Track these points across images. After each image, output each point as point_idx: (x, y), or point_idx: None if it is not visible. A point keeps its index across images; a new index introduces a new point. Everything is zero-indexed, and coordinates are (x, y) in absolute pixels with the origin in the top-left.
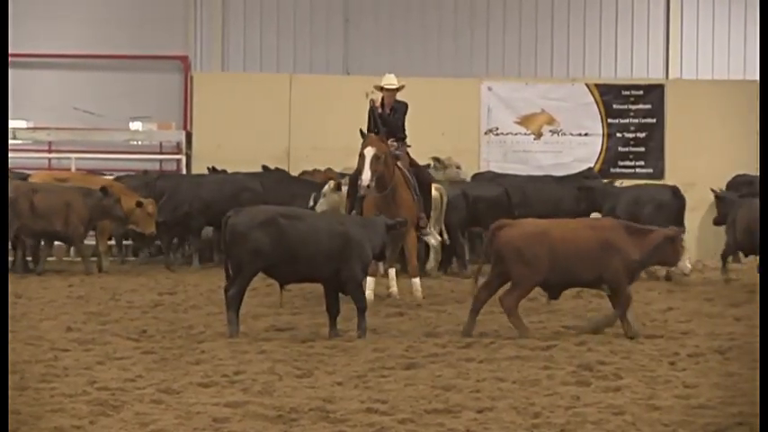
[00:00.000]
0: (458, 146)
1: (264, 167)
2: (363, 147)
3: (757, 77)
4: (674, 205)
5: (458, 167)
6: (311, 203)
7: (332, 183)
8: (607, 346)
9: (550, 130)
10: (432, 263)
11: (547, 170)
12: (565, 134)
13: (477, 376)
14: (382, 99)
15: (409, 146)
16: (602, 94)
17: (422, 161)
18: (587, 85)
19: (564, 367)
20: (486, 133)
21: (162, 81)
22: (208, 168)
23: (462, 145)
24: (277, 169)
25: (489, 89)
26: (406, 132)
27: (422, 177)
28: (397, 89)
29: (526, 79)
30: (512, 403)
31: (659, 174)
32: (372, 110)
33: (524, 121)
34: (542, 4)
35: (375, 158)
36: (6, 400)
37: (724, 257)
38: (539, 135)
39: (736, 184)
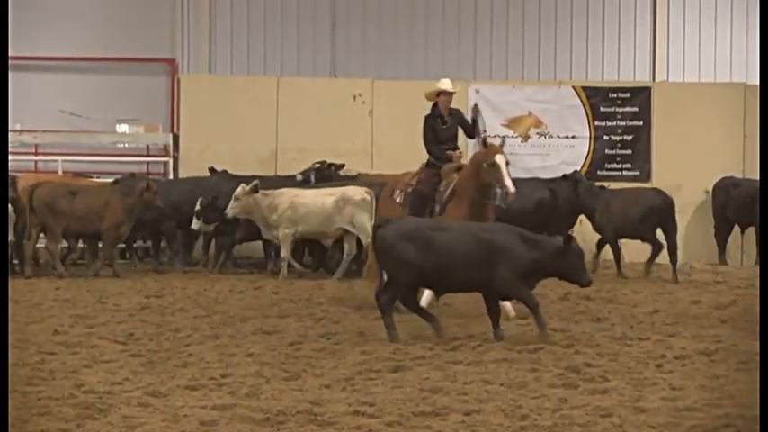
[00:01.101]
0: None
1: (211, 170)
2: (490, 154)
3: (744, 80)
4: (663, 209)
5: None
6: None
7: (245, 186)
8: (594, 348)
9: (537, 133)
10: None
11: (534, 173)
12: (552, 137)
13: (464, 379)
14: (435, 104)
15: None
16: (588, 97)
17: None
18: (574, 88)
19: (551, 369)
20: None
21: (149, 84)
22: (209, 169)
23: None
24: (224, 172)
25: (477, 92)
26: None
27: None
28: (453, 93)
29: (513, 82)
30: (499, 406)
31: (646, 176)
32: (432, 117)
33: (511, 123)
34: (529, 7)
35: (508, 165)
36: (6, 401)
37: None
38: (526, 138)
39: (723, 186)
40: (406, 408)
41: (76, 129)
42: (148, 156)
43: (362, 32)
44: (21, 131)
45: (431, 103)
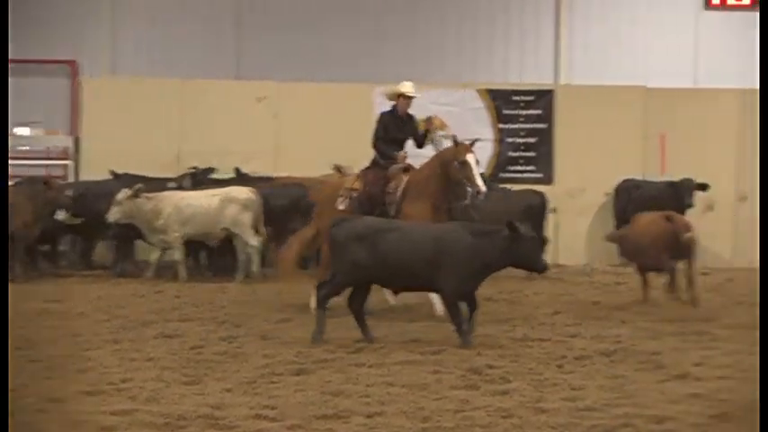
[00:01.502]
0: (351, 151)
1: (112, 173)
2: (461, 153)
3: (645, 82)
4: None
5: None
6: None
7: (127, 190)
8: (496, 349)
9: (441, 135)
10: (255, 265)
11: None
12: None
13: (366, 381)
14: (394, 107)
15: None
16: (492, 100)
17: (320, 168)
18: (478, 91)
19: (453, 371)
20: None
21: (50, 85)
22: (110, 172)
23: (356, 150)
24: (125, 174)
25: (382, 95)
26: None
27: None
28: (413, 98)
29: (417, 84)
30: (401, 408)
31: (549, 179)
32: (389, 115)
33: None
34: (433, 9)
35: (477, 163)
36: (6, 401)
37: None
38: (430, 140)
39: (625, 188)
40: (308, 411)
41: None
42: (49, 159)
43: (267, 34)
44: None
45: (339, 106)
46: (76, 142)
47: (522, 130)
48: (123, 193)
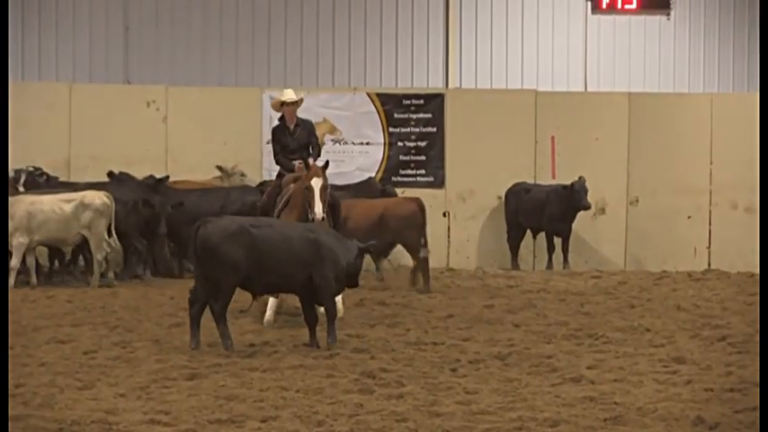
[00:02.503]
0: (240, 155)
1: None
2: (309, 178)
3: (535, 86)
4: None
5: (242, 175)
6: None
7: None
8: (389, 353)
9: (332, 140)
10: (111, 270)
11: (329, 179)
12: (347, 143)
13: (260, 386)
14: (282, 117)
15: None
16: (383, 104)
17: (205, 171)
18: (368, 95)
19: (347, 375)
20: (268, 143)
21: None
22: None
23: (244, 154)
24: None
25: (271, 98)
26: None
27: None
28: (297, 103)
29: (308, 89)
30: (295, 412)
31: (440, 182)
32: (279, 128)
33: None
34: (323, 13)
35: (323, 189)
36: (6, 401)
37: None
38: (320, 144)
39: (515, 191)
40: (202, 415)
41: None
42: None
43: (156, 38)
44: None
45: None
46: None
47: (413, 133)
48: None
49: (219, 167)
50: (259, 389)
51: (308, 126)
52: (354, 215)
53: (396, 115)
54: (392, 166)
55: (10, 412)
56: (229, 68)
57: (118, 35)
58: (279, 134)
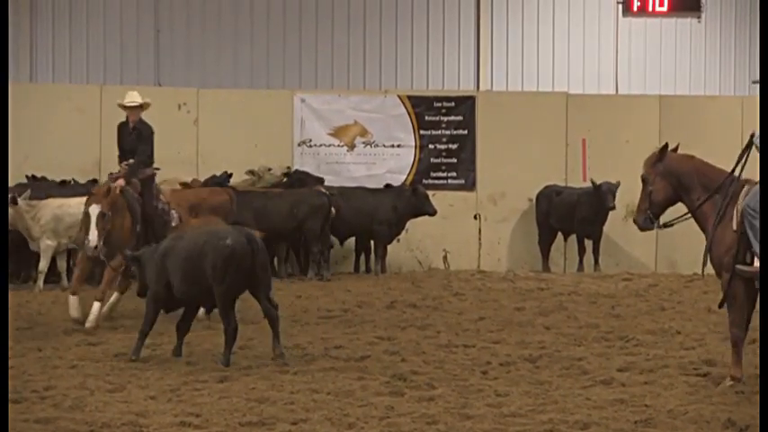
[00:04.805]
0: (271, 158)
1: (31, 177)
2: (88, 203)
3: (566, 89)
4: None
5: (269, 169)
6: None
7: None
8: (420, 356)
9: (363, 142)
10: None
11: (360, 182)
12: (377, 145)
13: (291, 388)
14: (127, 117)
15: (158, 168)
16: (414, 106)
17: (237, 174)
18: (399, 97)
19: (377, 378)
20: (299, 145)
21: None
22: (27, 177)
23: (275, 157)
24: (43, 178)
25: (302, 101)
26: (151, 156)
27: (146, 207)
28: (140, 107)
29: (339, 91)
30: (326, 414)
31: (471, 185)
32: (121, 127)
33: (337, 132)
34: (355, 15)
35: (101, 216)
36: (6, 401)
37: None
38: (352, 146)
39: (546, 194)
40: (233, 418)
41: None
42: None
43: (187, 40)
44: None
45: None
46: None
47: (444, 136)
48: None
49: (250, 172)
50: (290, 391)
51: (145, 131)
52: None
53: (427, 118)
54: (423, 169)
55: (40, 414)
56: (260, 71)
57: (149, 37)
58: (120, 132)
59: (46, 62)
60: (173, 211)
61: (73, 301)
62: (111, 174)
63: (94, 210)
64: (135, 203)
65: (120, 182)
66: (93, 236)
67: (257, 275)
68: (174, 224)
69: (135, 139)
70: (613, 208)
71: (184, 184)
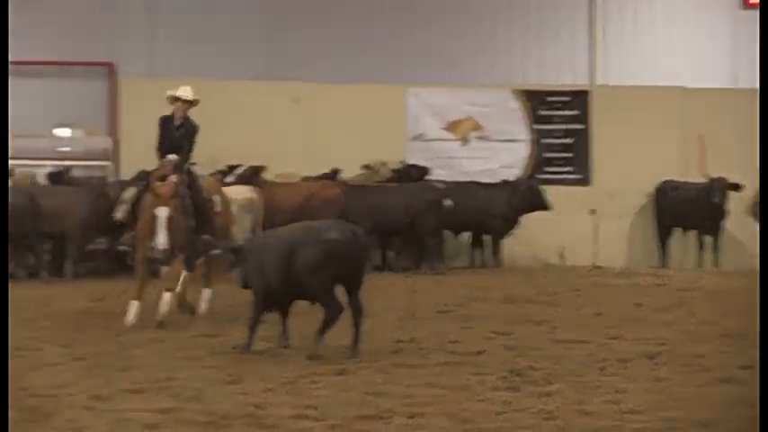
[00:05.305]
0: (384, 153)
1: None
2: (153, 205)
3: (681, 82)
4: None
5: (384, 164)
6: None
7: (134, 189)
8: (537, 351)
9: (476, 137)
10: None
11: (473, 176)
12: (491, 140)
13: (407, 382)
14: (172, 111)
15: (194, 163)
16: (527, 101)
17: (350, 169)
18: (513, 92)
19: (494, 373)
20: (412, 139)
21: (89, 87)
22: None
23: (389, 151)
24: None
25: (416, 95)
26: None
27: (196, 200)
28: (190, 102)
29: (452, 85)
30: (442, 409)
31: (587, 180)
32: (165, 123)
33: (451, 127)
34: (468, 10)
35: (170, 219)
36: (6, 401)
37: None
38: (465, 141)
39: (664, 189)
40: (350, 411)
41: (17, 133)
42: (88, 160)
43: (302, 35)
44: None
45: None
46: (116, 143)
47: (559, 130)
48: (130, 192)
49: (367, 166)
50: (406, 385)
51: (190, 128)
52: None
53: (540, 112)
54: (537, 164)
55: (161, 404)
56: (374, 66)
57: (263, 32)
58: (163, 127)
59: (163, 56)
60: (214, 197)
61: (135, 306)
62: (155, 170)
63: (163, 212)
64: (187, 199)
65: (174, 178)
66: (164, 238)
67: (357, 271)
68: (217, 209)
69: (183, 135)
70: (721, 204)
71: (306, 179)
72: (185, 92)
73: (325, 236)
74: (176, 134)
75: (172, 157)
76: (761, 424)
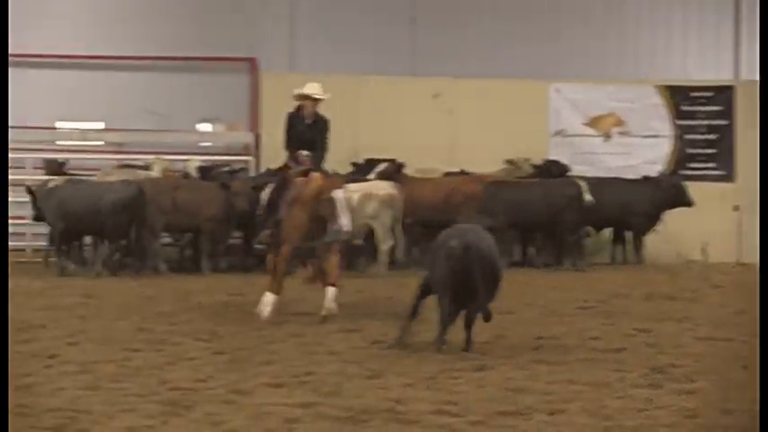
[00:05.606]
0: (526, 148)
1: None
2: (327, 189)
3: None
4: None
5: (526, 159)
6: None
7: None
8: (679, 348)
9: (619, 132)
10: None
11: (615, 172)
12: (633, 136)
13: (547, 378)
14: (299, 107)
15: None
16: (670, 96)
17: (492, 164)
18: (656, 87)
19: (635, 370)
20: (554, 135)
21: (231, 82)
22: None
23: (530, 147)
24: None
25: (557, 91)
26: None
27: None
28: (320, 100)
29: (594, 81)
30: (583, 406)
31: (730, 176)
32: (292, 119)
33: (592, 122)
34: (611, 4)
35: (348, 200)
36: (6, 400)
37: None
38: (607, 137)
39: None
40: (490, 407)
41: (160, 128)
42: (230, 155)
43: (443, 30)
44: (105, 130)
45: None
46: (257, 138)
47: (702, 126)
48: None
49: (510, 161)
50: (546, 382)
51: (324, 124)
52: None
53: (683, 108)
54: (680, 159)
55: (300, 398)
56: (516, 60)
57: (405, 27)
58: (293, 123)
59: (305, 52)
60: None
61: (272, 299)
62: (285, 166)
63: (340, 194)
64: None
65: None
66: (347, 219)
67: (471, 284)
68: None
69: (316, 132)
70: None
71: (449, 174)
72: (315, 89)
73: (446, 243)
74: (306, 131)
75: (305, 153)
76: (761, 424)
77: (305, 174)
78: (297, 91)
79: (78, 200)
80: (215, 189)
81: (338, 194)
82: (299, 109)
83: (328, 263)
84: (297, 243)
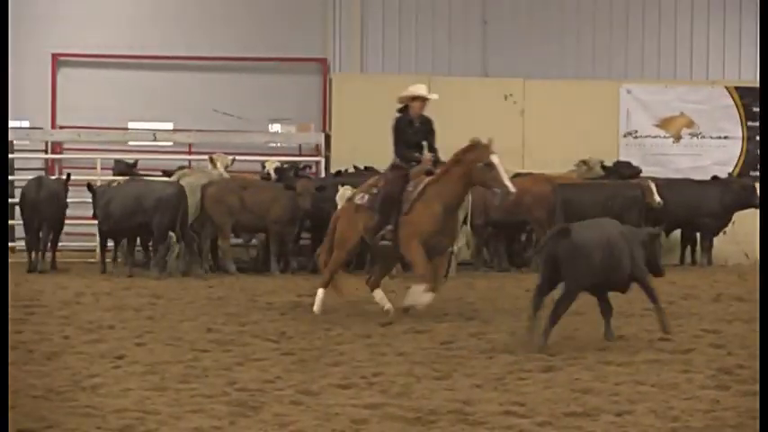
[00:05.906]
0: (596, 149)
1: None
2: (484, 155)
3: None
4: None
5: (599, 160)
6: None
7: (349, 187)
8: (747, 350)
9: (689, 134)
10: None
11: (686, 173)
12: (704, 137)
13: (615, 379)
14: (405, 107)
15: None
16: (741, 97)
17: (564, 164)
18: (727, 88)
19: (703, 371)
20: (624, 136)
21: (301, 83)
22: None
23: (601, 148)
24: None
25: (628, 92)
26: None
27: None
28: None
29: (665, 82)
30: (650, 407)
31: None
32: (403, 119)
33: (663, 123)
34: (681, 6)
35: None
36: (6, 400)
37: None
38: (677, 138)
39: None
40: (557, 408)
41: (230, 128)
42: (301, 155)
43: (513, 31)
44: (174, 131)
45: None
46: (327, 139)
47: None
48: (343, 191)
49: (583, 162)
50: (614, 383)
51: (430, 123)
52: None
53: (755, 109)
54: (750, 161)
55: (368, 400)
56: (586, 61)
57: (477, 28)
58: (402, 125)
59: (375, 53)
60: None
61: (429, 297)
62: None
63: (496, 159)
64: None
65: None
66: (509, 181)
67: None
68: None
69: (424, 132)
70: None
71: (518, 175)
72: (423, 90)
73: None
74: (417, 132)
75: (429, 154)
76: (761, 424)
77: (428, 173)
78: (407, 92)
79: (121, 200)
80: (281, 189)
81: (496, 159)
82: (405, 110)
83: (437, 263)
84: (430, 238)
